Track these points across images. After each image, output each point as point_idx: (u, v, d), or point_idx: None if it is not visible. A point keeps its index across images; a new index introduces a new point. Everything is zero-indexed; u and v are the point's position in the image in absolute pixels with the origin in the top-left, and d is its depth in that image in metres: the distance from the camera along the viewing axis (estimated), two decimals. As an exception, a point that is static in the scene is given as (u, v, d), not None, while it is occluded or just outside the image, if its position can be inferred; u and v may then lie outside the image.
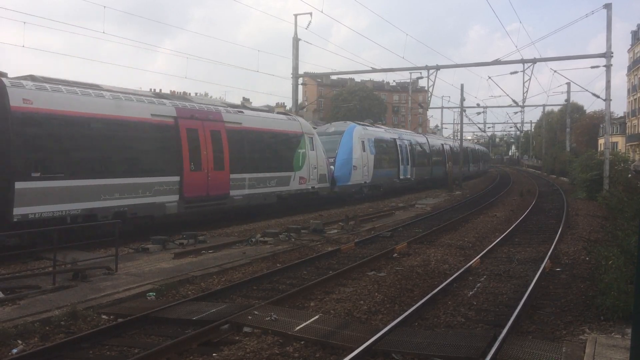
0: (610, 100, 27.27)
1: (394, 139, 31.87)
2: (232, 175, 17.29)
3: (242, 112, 18.79)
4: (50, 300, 8.36)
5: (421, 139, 39.17)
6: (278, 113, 23.11)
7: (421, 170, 36.43)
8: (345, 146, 25.94)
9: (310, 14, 28.06)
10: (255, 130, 18.80)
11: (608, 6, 25.93)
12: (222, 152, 16.97)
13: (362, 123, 30.17)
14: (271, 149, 19.59)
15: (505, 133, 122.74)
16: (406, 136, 34.93)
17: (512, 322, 7.36)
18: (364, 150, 26.90)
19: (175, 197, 15.16)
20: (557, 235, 15.39)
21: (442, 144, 44.14)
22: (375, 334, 6.83)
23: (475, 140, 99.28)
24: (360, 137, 26.85)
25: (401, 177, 32.08)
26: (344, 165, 25.47)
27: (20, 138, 11.57)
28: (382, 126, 34.38)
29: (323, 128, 29.03)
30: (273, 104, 75.57)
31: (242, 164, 17.78)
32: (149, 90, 22.28)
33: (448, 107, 62.82)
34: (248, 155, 18.21)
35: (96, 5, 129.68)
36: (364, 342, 6.51)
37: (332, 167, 24.53)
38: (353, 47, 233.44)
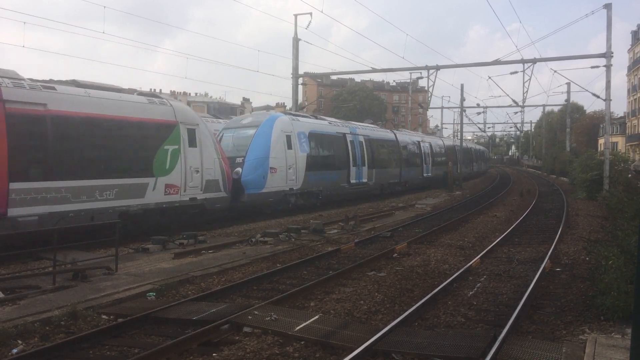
0: (610, 100, 27.34)
1: (343, 134, 25.68)
2: (16, 185, 11.50)
3: (52, 88, 12.70)
4: (50, 300, 8.36)
5: (387, 134, 32.70)
6: (139, 94, 16.33)
7: (385, 173, 30.04)
8: (260, 142, 19.93)
9: (310, 14, 28.16)
10: (76, 117, 12.88)
11: (608, 6, 25.98)
12: None
13: (293, 113, 24.65)
14: (110, 143, 13.75)
15: (505, 133, 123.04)
16: (363, 131, 28.34)
17: (512, 322, 7.36)
18: (290, 148, 21.02)
19: None
20: (557, 236, 15.39)
21: (419, 142, 37.60)
22: (375, 334, 6.83)
23: (475, 140, 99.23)
24: (284, 131, 20.89)
25: (353, 181, 25.83)
26: (257, 167, 19.44)
27: None
28: (327, 118, 28.10)
29: (238, 119, 23.97)
30: (273, 104, 75.71)
31: (43, 167, 12.17)
32: (149, 90, 21.72)
33: (448, 107, 62.93)
34: (58, 153, 12.52)
35: (96, 6, 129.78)
36: (364, 342, 6.51)
37: (239, 169, 19.17)
38: (353, 47, 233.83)
